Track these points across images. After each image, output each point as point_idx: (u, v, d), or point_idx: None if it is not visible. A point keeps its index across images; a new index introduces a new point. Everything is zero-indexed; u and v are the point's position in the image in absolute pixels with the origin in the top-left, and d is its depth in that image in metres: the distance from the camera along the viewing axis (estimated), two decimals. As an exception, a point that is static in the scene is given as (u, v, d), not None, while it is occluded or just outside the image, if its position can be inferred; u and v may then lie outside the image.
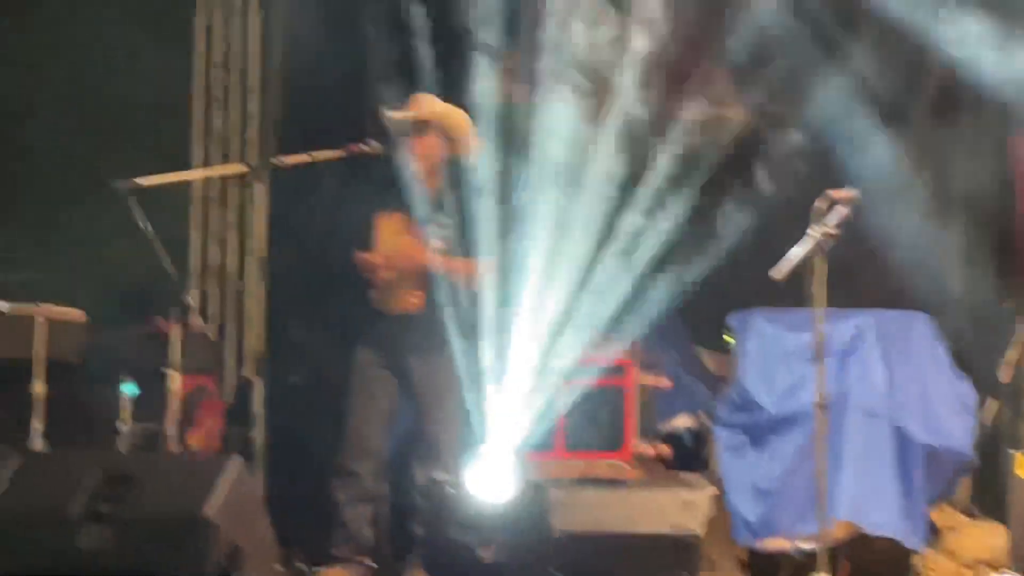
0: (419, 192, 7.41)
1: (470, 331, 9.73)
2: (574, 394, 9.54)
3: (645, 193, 11.53)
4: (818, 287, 7.57)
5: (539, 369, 9.58)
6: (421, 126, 7.39)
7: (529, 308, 10.40)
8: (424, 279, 7.38)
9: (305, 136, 11.63)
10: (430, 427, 7.40)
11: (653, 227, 11.37)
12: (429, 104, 7.47)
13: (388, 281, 7.35)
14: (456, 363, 7.47)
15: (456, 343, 7.46)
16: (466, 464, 8.14)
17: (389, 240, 7.38)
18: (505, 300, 10.61)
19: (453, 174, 7.46)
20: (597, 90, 11.88)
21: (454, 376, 7.45)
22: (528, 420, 9.49)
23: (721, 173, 11.65)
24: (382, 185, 7.58)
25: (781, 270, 7.48)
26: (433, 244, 7.39)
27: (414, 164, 7.37)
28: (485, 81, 12.02)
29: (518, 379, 9.59)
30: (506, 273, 10.82)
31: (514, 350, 9.77)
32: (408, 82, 11.34)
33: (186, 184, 12.42)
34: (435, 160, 7.40)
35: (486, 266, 7.52)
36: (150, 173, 8.14)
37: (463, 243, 7.40)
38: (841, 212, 7.59)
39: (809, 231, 7.66)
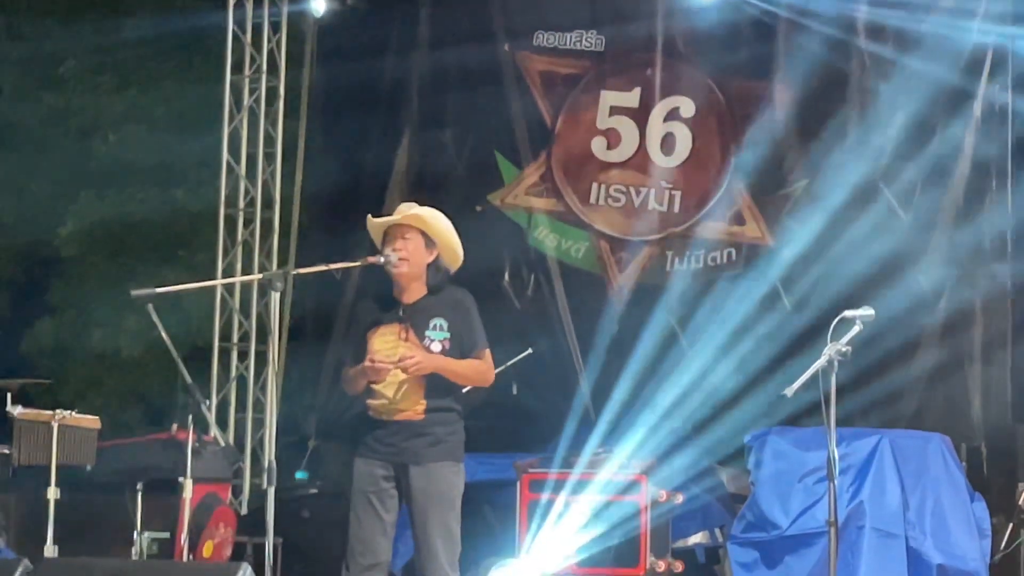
0: (408, 297, 7.45)
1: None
2: (590, 509, 9.53)
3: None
4: (831, 405, 7.54)
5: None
6: (403, 231, 7.43)
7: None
8: (423, 386, 7.38)
9: (327, 246, 11.83)
10: (425, 538, 7.35)
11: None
12: (410, 209, 7.52)
13: (384, 390, 7.36)
14: (459, 472, 7.45)
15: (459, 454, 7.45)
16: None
17: (383, 351, 7.38)
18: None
19: (439, 277, 7.49)
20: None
21: (454, 485, 7.42)
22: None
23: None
24: (374, 296, 7.63)
25: (793, 388, 7.48)
26: (433, 347, 7.40)
27: (401, 269, 7.41)
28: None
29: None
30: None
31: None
32: (428, 191, 11.50)
33: (210, 294, 12.54)
34: (421, 264, 7.43)
35: (486, 362, 7.51)
36: (176, 283, 8.20)
37: (460, 343, 7.40)
38: (854, 331, 7.60)
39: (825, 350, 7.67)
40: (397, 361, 7.28)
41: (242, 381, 12.45)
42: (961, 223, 11.25)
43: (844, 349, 7.47)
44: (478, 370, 7.51)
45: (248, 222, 12.60)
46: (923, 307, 11.20)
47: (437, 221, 7.56)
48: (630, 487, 9.56)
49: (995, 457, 10.50)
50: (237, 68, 12.59)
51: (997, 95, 11.22)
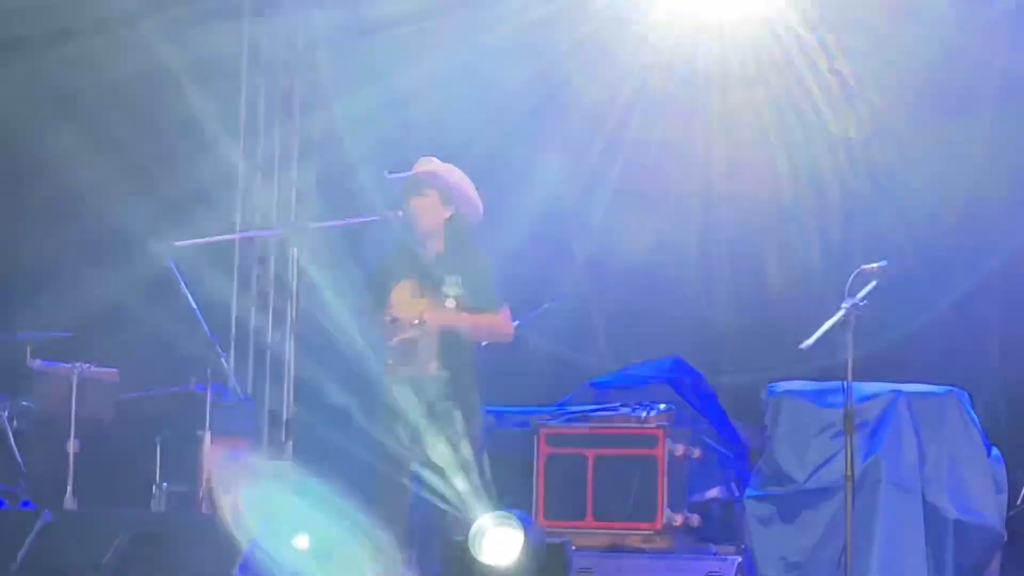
0: (425, 253, 7.46)
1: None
2: (607, 463, 9.57)
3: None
4: (848, 359, 7.56)
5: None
6: (420, 186, 7.44)
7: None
8: (438, 342, 7.42)
9: (344, 201, 11.82)
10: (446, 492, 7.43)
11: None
12: (428, 165, 7.53)
13: (405, 345, 7.41)
14: (475, 426, 7.50)
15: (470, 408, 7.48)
16: (482, 528, 8.14)
17: (403, 305, 7.42)
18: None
19: (457, 232, 7.50)
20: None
21: (470, 439, 7.47)
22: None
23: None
24: (393, 251, 7.66)
25: (809, 342, 7.49)
26: (447, 304, 7.43)
27: (417, 224, 7.43)
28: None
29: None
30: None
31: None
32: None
33: (229, 248, 12.54)
34: (437, 219, 7.45)
35: (503, 318, 7.54)
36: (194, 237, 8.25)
37: (476, 299, 7.43)
38: (872, 285, 7.61)
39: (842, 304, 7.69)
40: (411, 319, 7.32)
41: (260, 335, 12.47)
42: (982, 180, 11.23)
43: (861, 303, 7.48)
44: (493, 325, 7.54)
45: (266, 178, 12.59)
46: (943, 261, 11.20)
47: (452, 175, 7.57)
48: (647, 441, 9.58)
49: (1013, 411, 10.50)
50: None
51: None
